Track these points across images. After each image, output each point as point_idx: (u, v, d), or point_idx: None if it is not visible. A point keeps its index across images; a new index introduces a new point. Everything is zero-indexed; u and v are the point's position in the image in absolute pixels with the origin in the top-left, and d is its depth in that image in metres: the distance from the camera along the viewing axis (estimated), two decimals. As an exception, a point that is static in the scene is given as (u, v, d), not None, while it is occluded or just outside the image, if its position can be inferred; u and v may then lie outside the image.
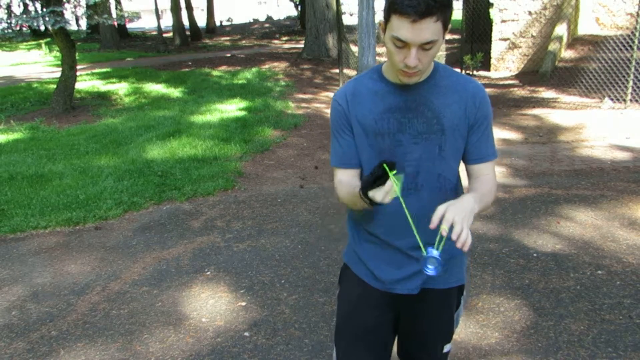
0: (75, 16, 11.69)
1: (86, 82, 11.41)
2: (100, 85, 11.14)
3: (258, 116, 7.94)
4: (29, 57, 19.48)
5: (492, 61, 11.00)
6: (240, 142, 6.57)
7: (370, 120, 1.43)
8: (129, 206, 4.67)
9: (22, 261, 3.77)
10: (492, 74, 10.85)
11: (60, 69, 8.91)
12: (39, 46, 21.81)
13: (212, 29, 27.45)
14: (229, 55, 16.29)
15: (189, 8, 23.79)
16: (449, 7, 1.24)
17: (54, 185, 5.24)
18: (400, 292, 1.52)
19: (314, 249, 3.72)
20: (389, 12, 1.26)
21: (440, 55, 10.82)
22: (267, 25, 30.94)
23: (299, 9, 26.24)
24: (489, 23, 12.00)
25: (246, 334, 2.77)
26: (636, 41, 7.13)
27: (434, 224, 1.21)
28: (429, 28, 1.23)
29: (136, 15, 13.90)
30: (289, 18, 35.02)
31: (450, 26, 1.31)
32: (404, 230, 1.43)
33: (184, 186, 5.08)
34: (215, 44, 21.86)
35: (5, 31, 8.58)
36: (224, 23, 35.73)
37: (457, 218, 1.20)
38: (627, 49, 7.62)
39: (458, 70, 10.45)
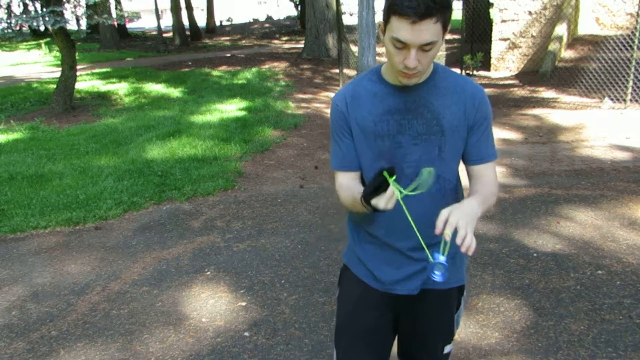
0: (76, 16, 11.69)
1: (86, 82, 11.41)
2: (100, 85, 11.14)
3: (258, 116, 7.94)
4: (29, 57, 19.48)
5: (492, 61, 11.00)
6: (240, 142, 6.57)
7: (369, 122, 1.43)
8: (129, 206, 4.67)
9: (22, 261, 3.77)
10: (492, 74, 10.85)
11: (60, 69, 8.91)
12: (39, 46, 21.81)
13: (212, 29, 27.46)
14: (229, 55, 16.29)
15: (189, 8, 23.79)
16: (448, 8, 1.25)
17: (54, 185, 5.24)
18: (400, 293, 1.52)
19: (314, 249, 3.72)
20: (388, 13, 1.26)
21: (440, 55, 10.82)
22: (267, 25, 30.94)
23: (299, 9, 26.24)
24: (489, 23, 12.00)
25: (246, 334, 2.77)
26: (636, 41, 7.13)
27: (438, 229, 1.21)
28: (429, 29, 1.23)
29: (136, 15, 13.90)
30: (289, 18, 35.02)
31: (449, 27, 1.31)
32: (404, 232, 1.43)
33: (184, 186, 5.08)
34: (215, 44, 21.86)
35: (5, 31, 8.58)
36: (224, 23, 35.73)
37: (460, 222, 1.19)
38: (627, 49, 7.62)
39: (458, 70, 10.48)
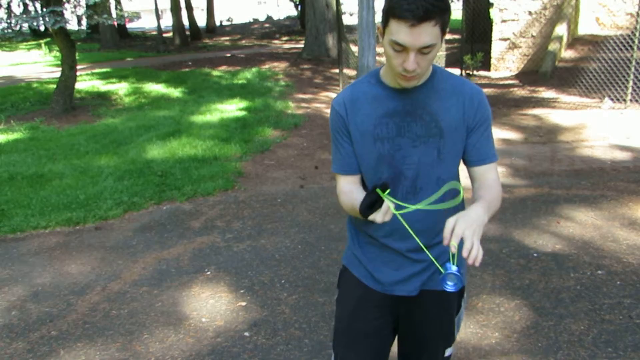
0: (77, 17, 11.69)
1: (86, 82, 11.41)
2: (100, 85, 11.15)
3: (258, 116, 7.94)
4: (29, 57, 19.48)
5: (492, 61, 11.00)
6: (240, 142, 6.57)
7: (369, 125, 1.43)
8: (129, 206, 4.67)
9: (22, 261, 3.77)
10: (492, 74, 10.85)
11: (60, 69, 8.91)
12: (39, 46, 21.81)
13: (212, 29, 27.45)
14: (229, 55, 16.29)
15: (189, 8, 23.78)
16: (447, 11, 1.25)
17: (54, 185, 5.24)
18: (399, 294, 1.52)
19: (314, 249, 3.72)
20: (387, 16, 1.27)
21: (440, 56, 10.81)
22: (267, 25, 30.93)
23: (299, 9, 26.24)
24: (489, 23, 12.00)
25: (246, 334, 2.77)
26: (636, 41, 7.13)
27: (446, 239, 1.20)
28: (428, 32, 1.23)
29: (136, 15, 13.90)
30: (289, 18, 35.01)
31: (448, 29, 1.31)
32: (404, 233, 1.43)
33: (184, 186, 5.08)
34: (215, 44, 21.86)
35: (5, 31, 8.58)
36: (224, 23, 35.73)
37: (467, 232, 1.18)
38: (627, 49, 7.62)
39: (458, 70, 10.48)
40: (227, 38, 24.56)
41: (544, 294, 2.98)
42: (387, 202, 1.25)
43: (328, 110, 7.98)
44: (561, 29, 9.72)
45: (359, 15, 6.23)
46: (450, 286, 1.26)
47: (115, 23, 16.60)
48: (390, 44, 1.29)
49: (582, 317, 2.74)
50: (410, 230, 1.34)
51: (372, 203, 1.26)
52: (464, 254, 1.18)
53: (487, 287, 3.10)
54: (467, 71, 10.65)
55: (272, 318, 2.90)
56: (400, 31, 1.24)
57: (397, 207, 1.33)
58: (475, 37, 11.65)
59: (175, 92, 10.30)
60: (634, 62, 7.26)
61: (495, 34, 10.87)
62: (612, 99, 7.45)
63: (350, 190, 1.47)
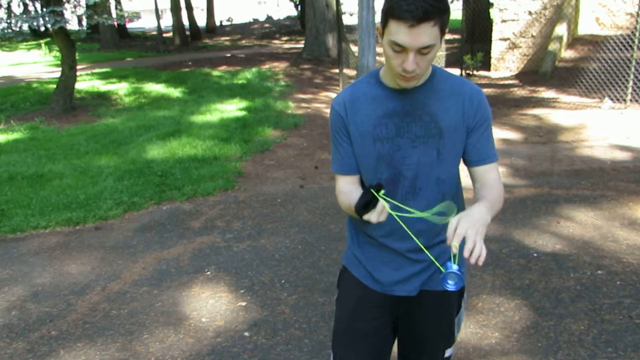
0: (78, 17, 11.70)
1: (86, 82, 11.41)
2: (100, 85, 11.15)
3: (258, 116, 7.94)
4: (29, 57, 19.48)
5: (492, 61, 11.00)
6: (240, 142, 6.57)
7: (368, 125, 1.44)
8: (129, 206, 4.67)
9: (22, 261, 3.77)
10: (492, 74, 10.85)
11: (60, 69, 8.91)
12: (39, 46, 21.81)
13: (212, 29, 27.45)
14: (229, 55, 16.29)
15: (189, 8, 23.77)
16: (446, 12, 1.25)
17: (54, 185, 5.24)
18: (399, 294, 1.52)
19: (314, 249, 3.72)
20: (386, 16, 1.27)
21: (440, 56, 10.81)
22: (267, 25, 30.93)
23: (299, 9, 26.24)
24: (489, 23, 12.00)
25: (246, 334, 2.77)
26: (636, 41, 7.13)
27: (449, 239, 1.20)
28: (427, 33, 1.23)
29: (136, 15, 13.90)
30: (289, 18, 35.00)
31: (447, 30, 1.31)
32: (404, 233, 1.44)
33: (184, 186, 5.08)
34: (215, 44, 21.86)
35: (5, 31, 8.58)
36: (224, 23, 35.73)
37: (469, 232, 1.18)
38: (627, 49, 7.62)
39: (458, 70, 10.48)
40: (227, 38, 24.56)
41: (544, 294, 2.98)
42: (382, 202, 1.26)
43: (328, 110, 7.97)
44: (561, 29, 9.72)
45: (359, 15, 6.23)
46: (450, 285, 1.26)
47: (115, 23, 16.59)
48: (389, 44, 1.29)
49: (582, 317, 2.74)
50: (408, 231, 1.34)
51: (367, 203, 1.27)
52: (465, 254, 1.17)
53: (487, 287, 3.10)
54: (467, 71, 10.65)
55: (272, 318, 2.90)
56: (399, 32, 1.24)
57: (397, 209, 1.33)
58: (475, 37, 11.65)
59: (175, 92, 10.30)
60: (634, 62, 7.26)
61: (495, 34, 10.87)
62: (612, 99, 7.45)
63: (349, 190, 1.47)
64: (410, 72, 1.29)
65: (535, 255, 3.44)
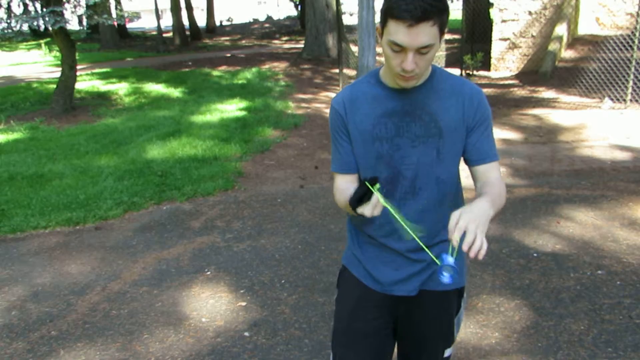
0: (78, 17, 11.70)
1: (86, 82, 11.42)
2: (100, 85, 11.15)
3: (258, 116, 7.94)
4: (29, 57, 19.48)
5: (492, 61, 11.00)
6: (240, 142, 6.57)
7: (368, 125, 1.44)
8: (129, 206, 4.67)
9: (22, 261, 3.77)
10: (492, 74, 10.85)
11: (60, 69, 8.91)
12: (39, 46, 21.81)
13: (212, 29, 27.44)
14: (229, 55, 16.29)
15: (189, 8, 23.77)
16: (445, 12, 1.25)
17: (54, 185, 5.24)
18: (399, 294, 1.52)
19: (314, 249, 3.72)
20: (385, 16, 1.27)
21: (440, 56, 10.82)
22: (267, 25, 30.93)
23: (299, 9, 26.24)
24: (489, 23, 12.00)
25: (246, 334, 2.77)
26: (636, 41, 7.13)
27: (450, 233, 1.19)
28: (426, 32, 1.23)
29: (136, 15, 13.91)
30: (289, 18, 35.00)
31: (447, 30, 1.31)
32: (403, 233, 1.44)
33: (184, 186, 5.08)
34: (215, 44, 21.86)
35: (5, 31, 8.58)
36: (224, 23, 35.72)
37: (470, 226, 1.17)
38: (627, 49, 7.62)
39: (458, 70, 10.47)
40: (227, 38, 24.56)
41: (544, 294, 2.98)
42: (377, 195, 1.25)
43: (328, 111, 7.97)
44: (561, 29, 9.72)
45: (359, 15, 6.23)
46: (445, 277, 1.24)
47: (115, 23, 16.59)
48: (388, 44, 1.29)
49: (582, 317, 2.74)
50: (403, 223, 1.32)
51: (361, 196, 1.27)
52: (464, 247, 1.16)
53: (487, 287, 3.10)
54: (467, 71, 10.65)
55: (272, 318, 2.90)
56: (398, 31, 1.24)
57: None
58: (475, 37, 11.65)
59: (175, 92, 10.30)
60: (634, 62, 7.26)
61: (495, 34, 10.87)
62: (612, 99, 7.45)
63: (346, 188, 1.46)
64: (409, 71, 1.29)
65: (535, 255, 3.44)
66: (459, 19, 12.90)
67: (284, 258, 3.60)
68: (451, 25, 16.66)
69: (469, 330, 2.70)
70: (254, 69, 12.75)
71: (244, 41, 22.81)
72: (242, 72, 12.40)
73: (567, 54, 10.40)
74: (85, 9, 9.15)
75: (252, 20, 35.73)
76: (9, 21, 8.55)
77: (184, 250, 3.81)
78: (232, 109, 8.55)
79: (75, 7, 9.02)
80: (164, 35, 21.30)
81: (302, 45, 15.06)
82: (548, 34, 10.18)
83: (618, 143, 5.89)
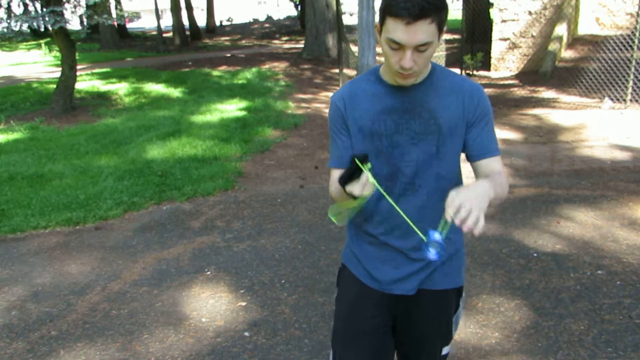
0: (79, 17, 11.71)
1: (86, 82, 11.42)
2: (100, 85, 11.15)
3: (258, 116, 7.94)
4: (29, 57, 19.48)
5: (492, 61, 11.00)
6: (240, 142, 6.57)
7: (367, 121, 1.44)
8: (129, 206, 4.67)
9: (22, 261, 3.77)
10: (492, 74, 10.85)
11: (60, 69, 8.91)
12: (39, 46, 21.81)
13: (212, 29, 27.44)
14: (229, 55, 16.29)
15: (189, 8, 23.77)
16: (443, 10, 1.25)
17: (54, 185, 5.24)
18: (397, 293, 1.52)
19: (314, 249, 3.72)
20: (383, 14, 1.27)
21: (440, 56, 10.82)
22: (267, 25, 30.93)
23: (299, 9, 26.24)
24: (489, 23, 12.00)
25: (246, 334, 2.77)
26: (636, 41, 7.14)
27: (447, 213, 1.16)
28: (424, 30, 1.24)
29: (136, 15, 13.91)
30: (289, 18, 35.00)
31: (446, 28, 1.31)
32: (404, 231, 1.43)
33: (184, 186, 5.08)
34: (215, 44, 21.86)
35: (5, 31, 8.58)
36: (224, 23, 35.72)
37: (466, 203, 1.14)
38: (627, 49, 7.62)
39: (458, 70, 10.48)
40: (227, 38, 24.56)
41: (544, 294, 2.98)
42: (367, 173, 1.24)
43: (328, 111, 7.97)
44: (561, 29, 9.72)
45: (359, 15, 6.23)
46: (432, 254, 1.21)
47: (115, 23, 16.58)
48: (387, 41, 1.29)
49: (582, 317, 2.74)
50: (401, 213, 1.32)
51: (350, 174, 1.25)
52: (457, 221, 1.14)
53: (487, 287, 3.10)
54: (467, 71, 10.65)
55: (272, 318, 2.90)
56: (396, 29, 1.25)
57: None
58: (475, 37, 11.65)
59: (175, 92, 10.30)
60: (634, 62, 7.26)
61: (495, 34, 10.87)
62: (612, 99, 7.45)
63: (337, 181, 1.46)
64: (407, 69, 1.30)
65: (535, 255, 3.44)
66: (459, 19, 12.90)
67: (284, 258, 3.60)
68: (451, 25, 16.66)
69: (469, 330, 2.70)
70: (254, 69, 12.75)
71: (244, 41, 22.81)
72: (242, 72, 12.40)
73: (567, 54, 10.40)
74: (85, 9, 9.15)
75: (252, 20, 35.73)
76: (9, 21, 8.55)
77: (184, 250, 3.81)
78: (232, 109, 8.55)
79: (75, 7, 9.02)
80: (164, 35, 21.30)
81: (302, 45, 15.06)
82: (548, 34, 10.18)
83: (618, 143, 5.89)
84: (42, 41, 22.15)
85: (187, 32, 22.41)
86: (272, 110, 8.40)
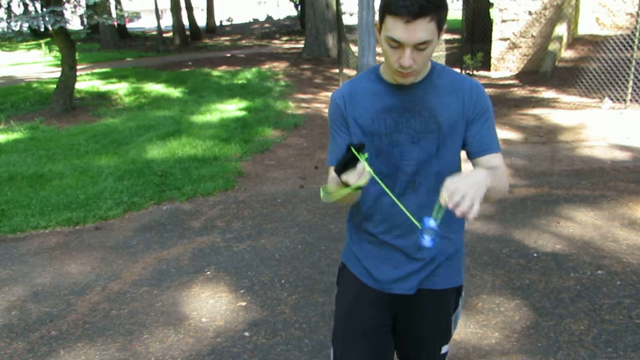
0: (79, 17, 11.71)
1: (86, 82, 11.42)
2: (100, 85, 11.15)
3: (258, 116, 7.94)
4: (29, 57, 19.48)
5: (492, 61, 11.00)
6: (240, 142, 6.57)
7: (367, 119, 1.44)
8: (129, 206, 4.67)
9: (22, 261, 3.77)
10: (492, 74, 10.85)
11: (60, 69, 8.91)
12: (39, 46, 21.81)
13: (212, 29, 27.44)
14: (229, 55, 16.29)
15: (189, 8, 23.77)
16: (443, 8, 1.25)
17: (54, 185, 5.24)
18: (397, 292, 1.52)
19: (314, 249, 3.72)
20: (383, 12, 1.27)
21: (440, 55, 10.83)
22: (267, 25, 30.93)
23: (299, 9, 26.23)
24: (489, 23, 12.00)
25: (246, 334, 2.77)
26: (636, 41, 7.13)
27: (442, 197, 1.16)
28: (423, 28, 1.24)
29: (136, 15, 13.91)
30: (289, 18, 35.00)
31: (446, 26, 1.31)
32: (404, 230, 1.43)
33: (184, 186, 5.08)
34: (215, 44, 21.86)
35: (5, 31, 8.58)
36: (224, 23, 35.72)
37: (461, 188, 1.14)
38: (627, 49, 7.62)
39: (458, 70, 10.47)
40: (227, 38, 24.56)
41: (544, 294, 2.98)
42: (363, 162, 1.22)
43: (328, 110, 7.96)
44: (561, 29, 9.72)
45: (359, 15, 6.23)
46: (426, 241, 1.20)
47: (115, 23, 16.60)
48: (386, 40, 1.29)
49: (582, 317, 2.74)
50: (388, 192, 1.32)
51: (347, 162, 1.23)
52: (450, 205, 1.13)
53: (487, 287, 3.10)
54: (467, 71, 10.65)
55: (272, 318, 2.90)
56: (396, 27, 1.25)
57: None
58: (475, 37, 11.65)
59: (175, 92, 10.30)
60: (634, 62, 7.26)
61: (495, 34, 10.87)
62: (612, 99, 7.45)
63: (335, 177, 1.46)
64: (406, 67, 1.30)
65: (535, 255, 3.44)
66: (459, 19, 12.90)
67: (284, 258, 3.60)
68: (451, 25, 16.65)
69: (469, 330, 2.70)
70: (254, 69, 12.75)
71: (244, 41, 22.81)
72: (242, 72, 12.40)
73: (567, 54, 10.40)
74: (85, 9, 9.15)
75: (252, 20, 35.73)
76: (9, 21, 8.55)
77: (184, 250, 3.81)
78: (232, 109, 8.55)
79: (75, 7, 9.02)
80: (164, 35, 21.30)
81: (302, 45, 15.06)
82: (548, 34, 10.18)
83: (618, 143, 5.89)
84: (42, 41, 22.15)
85: (187, 32, 22.41)
86: (272, 110, 8.40)
